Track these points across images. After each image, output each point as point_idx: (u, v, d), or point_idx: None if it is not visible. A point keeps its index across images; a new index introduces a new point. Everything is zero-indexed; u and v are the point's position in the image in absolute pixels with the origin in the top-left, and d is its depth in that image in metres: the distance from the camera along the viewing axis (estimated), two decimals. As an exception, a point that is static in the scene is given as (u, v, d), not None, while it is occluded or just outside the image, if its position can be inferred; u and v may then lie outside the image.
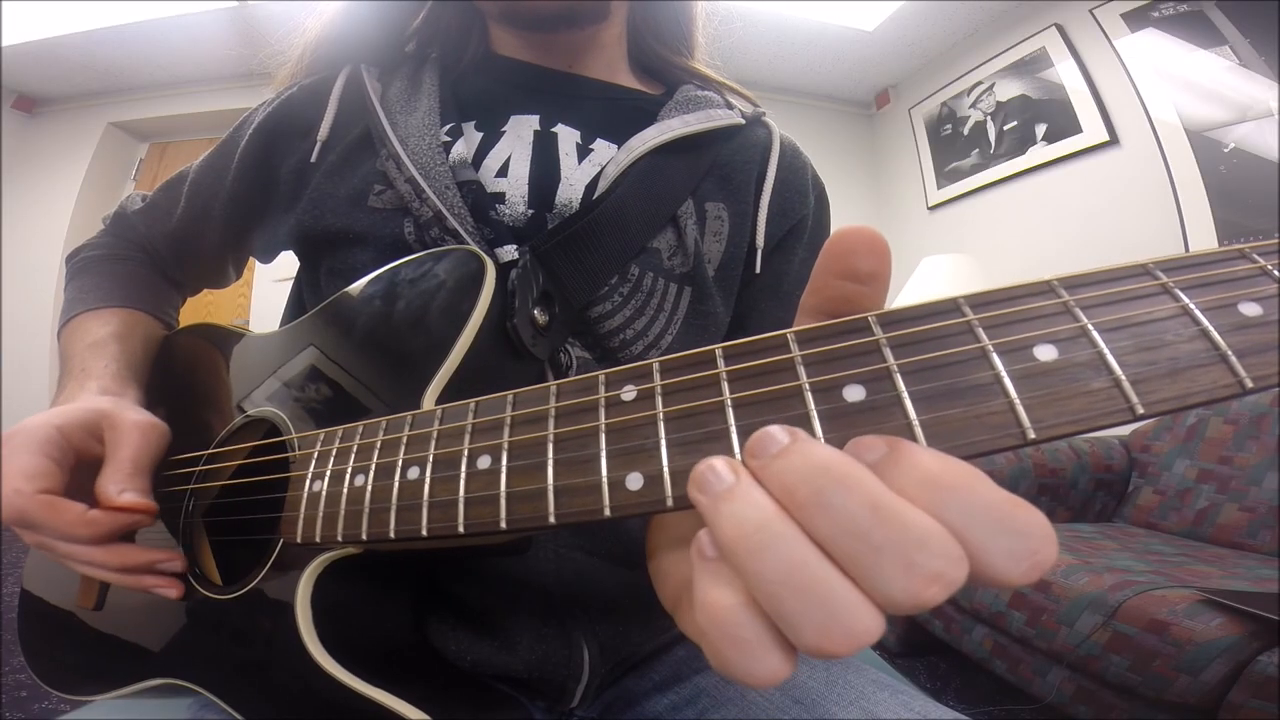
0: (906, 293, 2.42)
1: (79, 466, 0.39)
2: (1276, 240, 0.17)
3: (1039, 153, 2.53)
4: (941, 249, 2.60)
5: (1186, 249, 2.02)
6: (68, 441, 0.38)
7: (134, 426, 0.40)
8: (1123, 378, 0.16)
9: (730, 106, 0.55)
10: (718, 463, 0.18)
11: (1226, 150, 1.97)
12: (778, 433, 0.18)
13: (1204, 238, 2.00)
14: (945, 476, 0.16)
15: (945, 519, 0.16)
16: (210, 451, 0.43)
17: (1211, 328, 0.16)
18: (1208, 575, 1.19)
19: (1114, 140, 2.29)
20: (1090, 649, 1.09)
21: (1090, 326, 0.17)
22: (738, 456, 0.19)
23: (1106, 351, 0.17)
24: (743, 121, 0.54)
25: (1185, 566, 1.26)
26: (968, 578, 0.16)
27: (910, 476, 0.16)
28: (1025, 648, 1.25)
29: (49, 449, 0.37)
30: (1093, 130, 2.34)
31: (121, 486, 0.38)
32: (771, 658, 0.17)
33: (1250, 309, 0.16)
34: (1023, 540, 0.15)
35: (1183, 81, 2.10)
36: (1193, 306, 0.16)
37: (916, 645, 1.62)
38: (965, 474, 0.16)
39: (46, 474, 0.36)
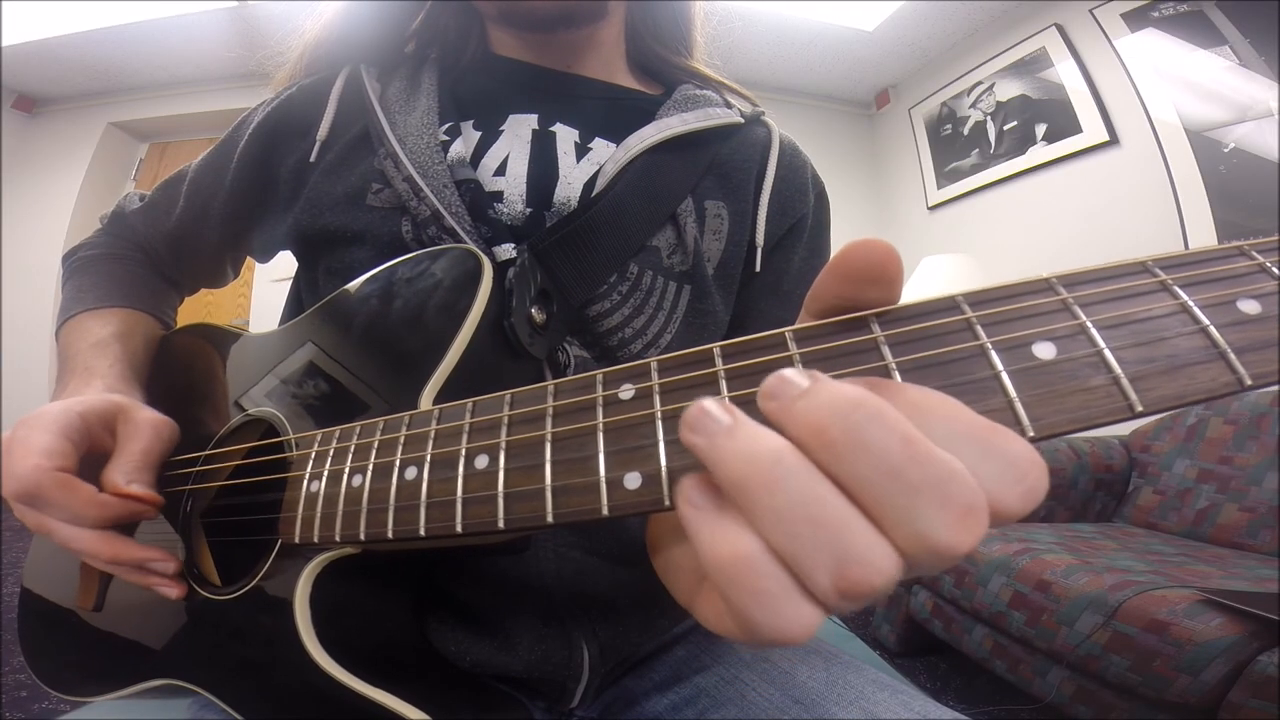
0: (906, 293, 2.40)
1: (89, 456, 0.39)
2: (1275, 238, 0.17)
3: (1039, 153, 2.53)
4: (941, 249, 2.60)
5: (1186, 249, 2.03)
6: (86, 428, 0.39)
7: (147, 422, 0.41)
8: (1121, 375, 0.16)
9: (729, 106, 0.55)
10: (710, 403, 0.18)
11: (1226, 150, 1.98)
12: (796, 375, 0.17)
13: (1204, 238, 2.00)
14: (926, 401, 0.16)
15: (842, 442, 0.15)
16: (208, 452, 0.43)
17: (1210, 325, 0.16)
18: (1208, 575, 1.19)
19: (1114, 140, 2.29)
20: (1090, 649, 1.09)
21: (1089, 324, 0.17)
22: None
23: (1105, 349, 0.16)
24: (741, 120, 0.54)
25: (1185, 566, 1.26)
26: (895, 538, 0.15)
27: (814, 401, 0.16)
28: (1025, 648, 1.25)
29: (69, 431, 0.38)
30: (1093, 130, 2.34)
31: (129, 477, 0.38)
32: (798, 606, 0.16)
33: (1249, 306, 0.16)
34: (1011, 465, 0.15)
35: (1183, 81, 2.11)
36: (1191, 304, 0.16)
37: (916, 645, 1.62)
38: (945, 400, 0.16)
39: (64, 454, 0.37)
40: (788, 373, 0.17)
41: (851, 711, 0.40)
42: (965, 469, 0.15)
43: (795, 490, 0.16)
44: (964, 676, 1.53)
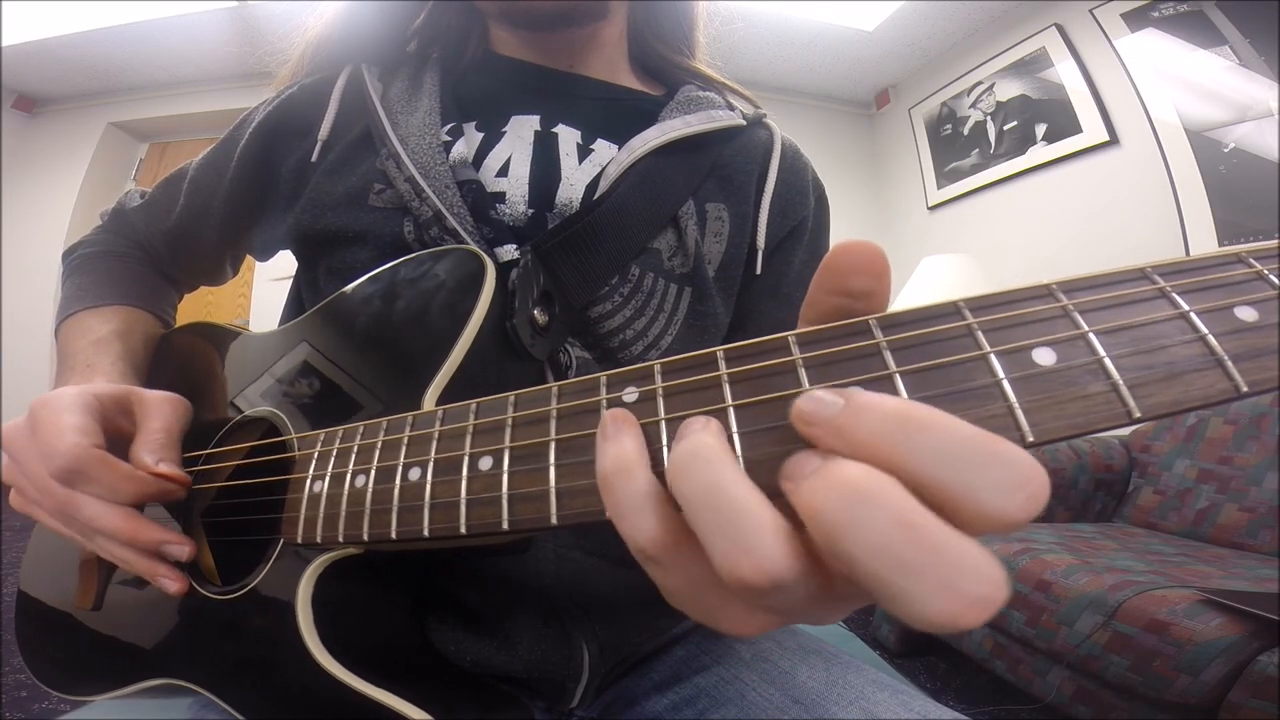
0: (906, 293, 2.42)
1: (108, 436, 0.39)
2: (1273, 245, 0.17)
3: (1039, 153, 2.53)
4: (941, 249, 2.60)
5: (1186, 249, 2.01)
6: (104, 410, 0.39)
7: (163, 399, 0.41)
8: (1120, 382, 0.16)
9: (731, 107, 0.55)
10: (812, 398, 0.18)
11: (1226, 150, 1.98)
12: (807, 458, 0.17)
13: (1204, 238, 2.00)
14: (915, 413, 0.16)
15: (924, 460, 0.15)
16: (209, 451, 0.43)
17: (1208, 332, 0.16)
18: (1208, 575, 1.19)
19: (1114, 140, 2.29)
20: (1090, 649, 1.09)
21: (1089, 331, 0.17)
22: (740, 460, 0.19)
23: (1104, 356, 0.17)
24: (744, 123, 0.54)
25: (1185, 566, 1.26)
26: (963, 525, 0.15)
27: (874, 420, 0.16)
28: (1025, 648, 1.25)
29: (93, 413, 0.38)
30: (1093, 130, 2.34)
31: (157, 456, 0.38)
32: (646, 519, 0.19)
33: (1246, 314, 0.16)
34: (1009, 469, 0.15)
35: (1183, 81, 2.11)
36: (1190, 311, 0.16)
37: (916, 645, 1.62)
38: (931, 411, 0.16)
39: (95, 432, 0.37)
40: (801, 456, 0.18)
41: (851, 711, 0.40)
42: (978, 558, 0.15)
43: (703, 475, 0.18)
44: (964, 676, 1.53)
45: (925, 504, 0.16)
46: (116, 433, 0.40)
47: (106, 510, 0.36)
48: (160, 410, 0.41)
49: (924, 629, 0.15)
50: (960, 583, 0.14)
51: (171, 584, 0.38)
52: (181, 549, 0.38)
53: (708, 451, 0.18)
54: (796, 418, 0.18)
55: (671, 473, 0.19)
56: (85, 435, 0.36)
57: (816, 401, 0.18)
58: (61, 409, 0.37)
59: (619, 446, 0.20)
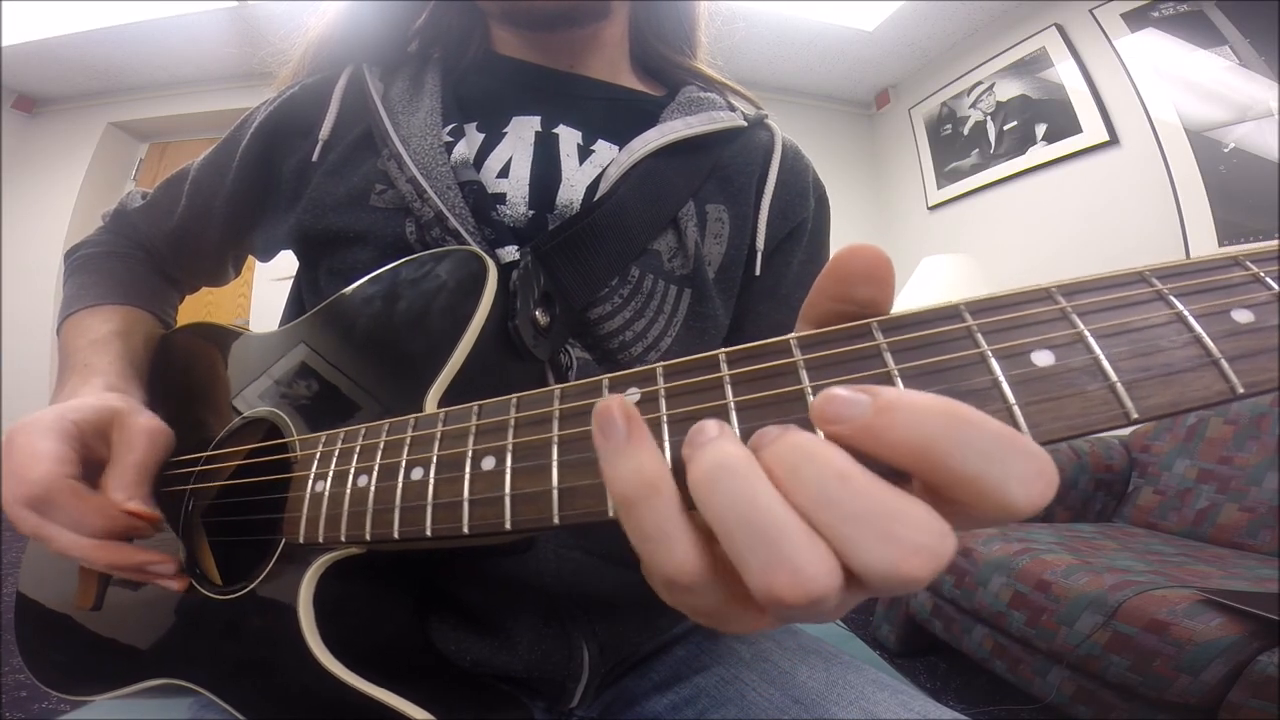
0: (906, 293, 2.43)
1: (85, 463, 0.39)
2: (1270, 247, 0.17)
3: (1039, 153, 2.53)
4: (941, 249, 2.60)
5: (1186, 249, 2.01)
6: (82, 436, 0.39)
7: (142, 431, 0.41)
8: (1118, 383, 0.16)
9: (732, 108, 0.55)
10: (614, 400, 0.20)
11: (1226, 150, 1.98)
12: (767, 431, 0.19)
13: (1204, 238, 2.00)
14: (951, 409, 0.16)
15: (960, 457, 0.16)
16: (210, 452, 0.44)
17: (1204, 334, 0.16)
18: (1208, 575, 1.19)
19: (1114, 140, 2.29)
20: (1090, 649, 1.09)
21: (1087, 332, 0.17)
22: None
23: (1102, 357, 0.17)
24: (745, 124, 0.54)
25: (1185, 566, 1.26)
26: (980, 514, 0.16)
27: (908, 418, 0.16)
28: (1025, 648, 1.25)
29: (69, 440, 0.38)
30: (1093, 130, 2.34)
31: (128, 493, 0.38)
32: (686, 538, 0.19)
33: (1242, 316, 0.16)
34: (1032, 462, 0.16)
35: (1183, 81, 2.10)
36: (1187, 313, 0.17)
37: (916, 645, 1.62)
38: (965, 407, 0.16)
39: (71, 461, 0.37)
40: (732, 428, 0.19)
41: (851, 711, 0.40)
42: (916, 508, 0.16)
43: (734, 490, 0.17)
44: (964, 676, 1.53)
45: (945, 500, 0.16)
46: (95, 457, 0.40)
47: (78, 541, 0.36)
48: (137, 443, 0.40)
49: (877, 586, 0.16)
50: (899, 530, 0.16)
51: (172, 583, 0.39)
52: (166, 567, 0.38)
53: (736, 463, 0.18)
54: (819, 417, 0.18)
55: (699, 487, 0.18)
56: (59, 464, 0.36)
57: (841, 401, 0.18)
58: (36, 434, 0.37)
59: (636, 462, 0.19)
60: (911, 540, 0.16)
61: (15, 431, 0.38)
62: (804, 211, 0.55)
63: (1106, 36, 2.31)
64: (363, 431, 0.32)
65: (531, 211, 0.46)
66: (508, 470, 0.25)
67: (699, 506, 0.18)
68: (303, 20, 0.57)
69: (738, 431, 0.20)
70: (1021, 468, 0.16)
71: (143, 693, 0.43)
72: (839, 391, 0.18)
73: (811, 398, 0.20)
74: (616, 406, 0.20)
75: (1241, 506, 1.50)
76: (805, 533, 0.17)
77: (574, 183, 0.47)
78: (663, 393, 0.22)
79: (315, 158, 0.49)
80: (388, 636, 0.37)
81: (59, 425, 0.38)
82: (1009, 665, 1.29)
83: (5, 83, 2.95)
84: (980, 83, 2.80)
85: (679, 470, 0.19)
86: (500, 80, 0.54)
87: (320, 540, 0.32)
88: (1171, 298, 0.17)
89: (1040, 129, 2.53)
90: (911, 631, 1.60)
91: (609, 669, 0.46)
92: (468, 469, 0.26)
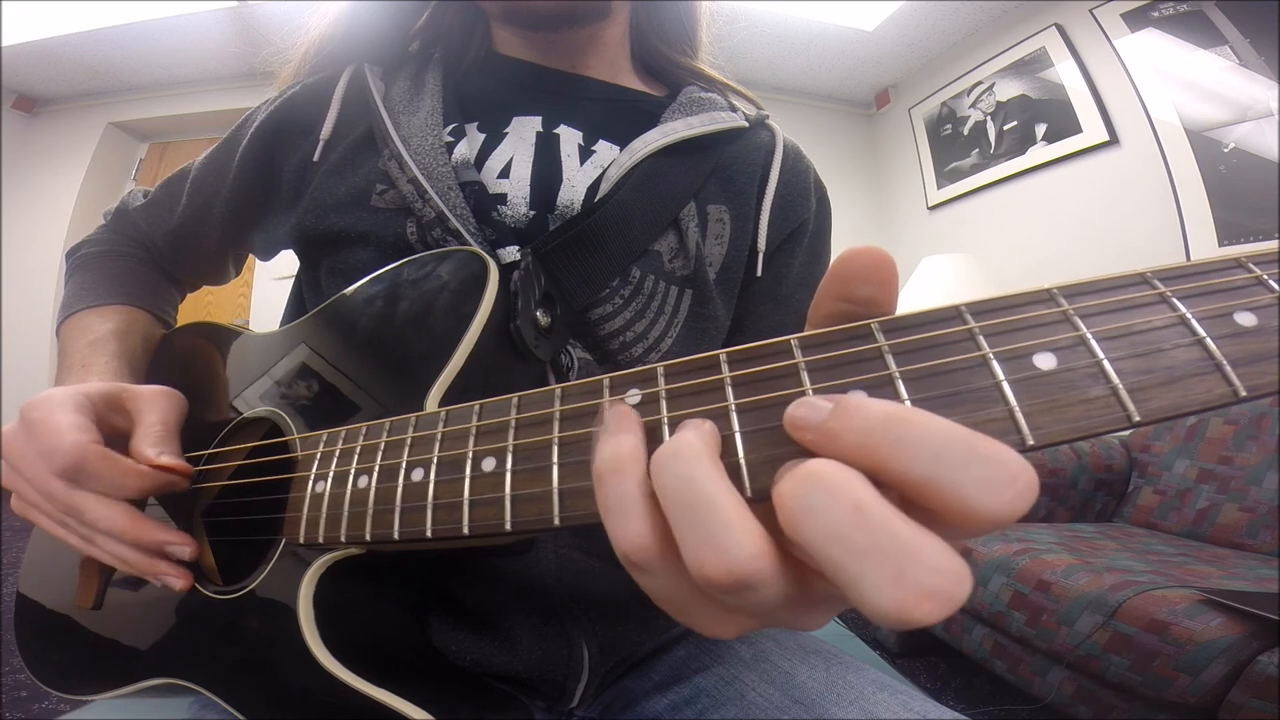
0: (906, 293, 2.43)
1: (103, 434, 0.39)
2: (1273, 249, 0.17)
3: (1039, 153, 2.53)
4: (941, 249, 2.60)
5: (1186, 249, 2.01)
6: (96, 409, 0.39)
7: (155, 393, 0.41)
8: (1120, 386, 0.16)
9: (734, 108, 0.55)
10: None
11: (1226, 150, 1.98)
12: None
13: (1204, 238, 2.00)
14: (898, 412, 0.16)
15: (907, 459, 0.16)
16: (210, 451, 0.44)
17: (1207, 337, 0.16)
18: (1208, 575, 1.19)
19: (1114, 140, 2.29)
20: (1090, 649, 1.09)
21: (1089, 335, 0.17)
22: (742, 463, 0.20)
23: (1105, 360, 0.17)
24: (746, 124, 0.54)
25: (1185, 566, 1.26)
26: (955, 524, 0.15)
27: (859, 422, 0.16)
28: (1025, 648, 1.25)
29: (85, 411, 0.38)
30: (1093, 130, 2.34)
31: (159, 449, 0.38)
32: (641, 522, 0.19)
33: (1246, 318, 0.16)
34: (997, 466, 0.15)
35: (1183, 81, 2.11)
36: (1189, 316, 0.17)
37: (916, 645, 1.62)
38: (917, 411, 0.16)
39: (92, 429, 0.37)
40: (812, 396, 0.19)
41: (851, 711, 0.40)
42: (931, 544, 0.15)
43: (679, 470, 0.18)
44: (964, 676, 1.53)
45: (914, 507, 0.16)
46: (110, 430, 0.40)
47: (110, 510, 0.36)
48: (155, 403, 0.40)
49: (883, 623, 0.15)
50: (914, 572, 0.14)
51: (176, 580, 0.39)
52: (184, 549, 0.38)
53: (686, 448, 0.19)
54: (789, 424, 0.18)
55: (653, 469, 0.19)
56: (84, 432, 0.36)
57: (807, 406, 0.18)
58: (55, 408, 0.37)
59: (616, 442, 0.20)
60: (927, 584, 0.14)
61: (30, 408, 0.38)
62: (805, 212, 0.55)
63: (1106, 36, 2.31)
64: (363, 431, 0.32)
65: (532, 212, 0.46)
66: (508, 471, 0.25)
67: (655, 488, 0.19)
68: (303, 20, 0.57)
69: (738, 430, 0.20)
70: (984, 473, 0.15)
71: (143, 692, 0.43)
72: (809, 399, 0.18)
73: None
74: (623, 409, 0.21)
75: (1241, 506, 1.50)
76: (739, 513, 0.17)
77: (575, 183, 0.47)
78: (663, 394, 0.22)
79: (316, 157, 0.49)
80: (387, 637, 0.37)
81: (74, 399, 0.38)
82: (1009, 665, 1.29)
83: (5, 83, 2.95)
84: (980, 83, 2.80)
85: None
86: (501, 80, 0.54)
87: (320, 541, 0.32)
88: (1174, 300, 0.17)
89: (1040, 129, 2.54)
90: (911, 631, 1.60)
91: (609, 669, 0.46)
92: (468, 470, 0.26)
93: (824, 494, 0.16)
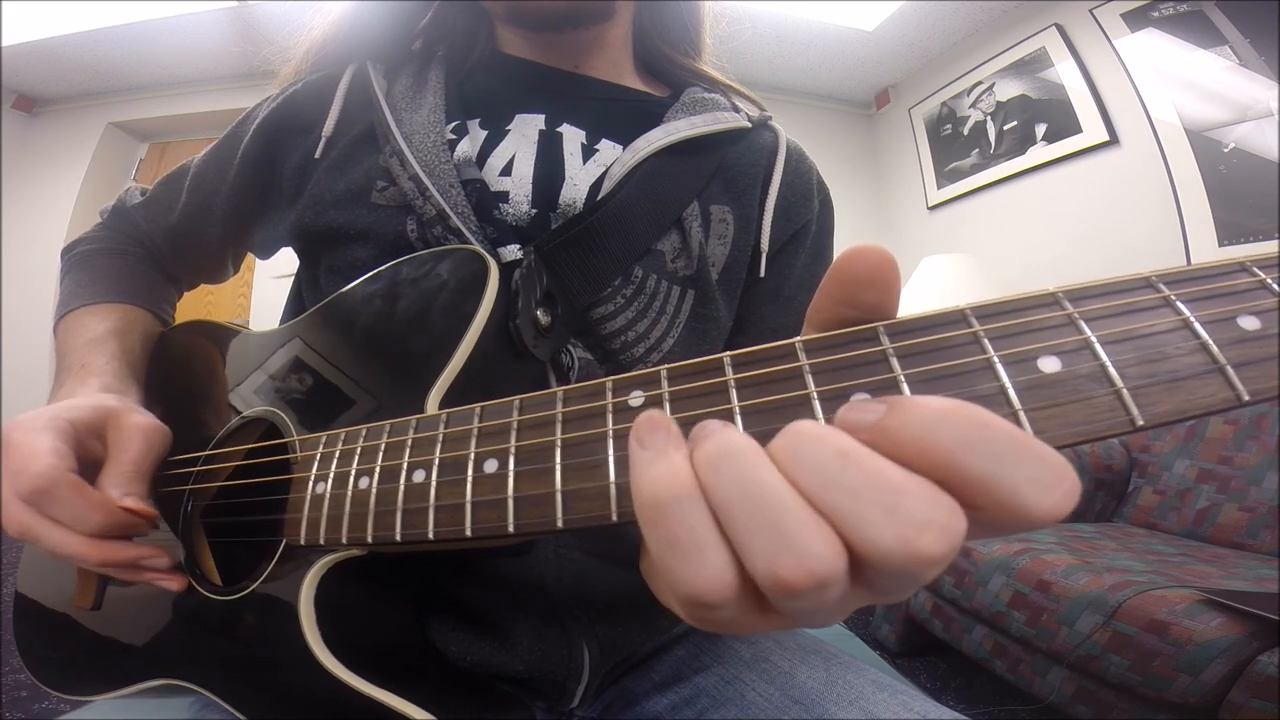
0: (907, 292, 2.42)
1: (80, 463, 0.39)
2: (1276, 253, 0.17)
3: (1039, 153, 2.53)
4: (941, 249, 2.60)
5: (1186, 249, 2.01)
6: (77, 435, 0.39)
7: (137, 429, 0.40)
8: (1124, 390, 0.16)
9: (737, 109, 0.55)
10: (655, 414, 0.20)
11: (1226, 150, 1.97)
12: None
13: (1204, 238, 2.00)
14: (956, 409, 0.16)
15: (967, 455, 0.16)
16: (209, 452, 0.43)
17: (1211, 341, 0.16)
18: (1208, 575, 1.19)
19: (1114, 140, 2.29)
20: (1090, 649, 1.09)
21: (1094, 339, 0.17)
22: None
23: (1109, 364, 0.17)
24: (749, 125, 0.54)
25: (1185, 566, 1.26)
26: (999, 520, 0.16)
27: (917, 418, 0.16)
28: (1025, 648, 1.26)
29: (65, 437, 0.38)
30: (1093, 130, 2.34)
31: (124, 490, 0.38)
32: (717, 555, 0.17)
33: (1249, 322, 0.16)
34: (1048, 466, 0.15)
35: (1183, 81, 2.10)
36: (1193, 319, 0.17)
37: (916, 645, 1.62)
38: (973, 408, 0.16)
39: (68, 456, 0.37)
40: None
41: (851, 711, 0.40)
42: (921, 485, 0.16)
43: (734, 474, 0.17)
44: (964, 676, 1.53)
45: (964, 502, 0.16)
46: (90, 457, 0.39)
47: (70, 538, 0.36)
48: (133, 442, 0.40)
49: (894, 566, 0.15)
50: (906, 503, 0.15)
51: (170, 583, 0.39)
52: (159, 561, 0.38)
53: (739, 443, 0.17)
54: (841, 426, 0.18)
55: (704, 470, 0.18)
56: (60, 458, 0.36)
57: (858, 409, 0.17)
58: (34, 431, 0.37)
59: (668, 464, 0.18)
60: (920, 515, 0.15)
61: (11, 429, 0.38)
62: (808, 213, 0.55)
63: (1106, 36, 2.31)
64: (364, 433, 0.32)
65: (534, 210, 0.46)
66: (510, 473, 0.25)
67: (705, 491, 0.18)
68: (304, 19, 0.57)
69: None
70: (1038, 472, 0.15)
71: (143, 693, 0.43)
72: (858, 401, 0.18)
73: (817, 402, 0.20)
74: (661, 418, 0.19)
75: (1241, 506, 1.50)
76: (809, 512, 0.16)
77: (577, 182, 0.47)
78: (667, 396, 0.22)
79: (317, 154, 0.49)
80: (388, 637, 0.37)
81: (55, 423, 0.38)
82: (1009, 665, 1.29)
83: (5, 83, 2.95)
84: (980, 83, 2.80)
85: None
86: (504, 79, 0.54)
87: (321, 542, 0.32)
88: (1179, 304, 0.17)
89: (1040, 129, 2.53)
90: (911, 631, 1.60)
91: (609, 669, 0.46)
92: (470, 471, 0.26)
93: (812, 444, 0.17)
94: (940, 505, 0.15)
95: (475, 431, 0.27)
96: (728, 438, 0.18)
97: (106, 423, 0.40)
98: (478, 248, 0.39)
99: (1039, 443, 0.16)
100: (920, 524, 0.15)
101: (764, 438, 0.20)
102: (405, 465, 0.29)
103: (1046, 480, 0.15)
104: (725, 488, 0.17)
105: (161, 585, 0.39)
